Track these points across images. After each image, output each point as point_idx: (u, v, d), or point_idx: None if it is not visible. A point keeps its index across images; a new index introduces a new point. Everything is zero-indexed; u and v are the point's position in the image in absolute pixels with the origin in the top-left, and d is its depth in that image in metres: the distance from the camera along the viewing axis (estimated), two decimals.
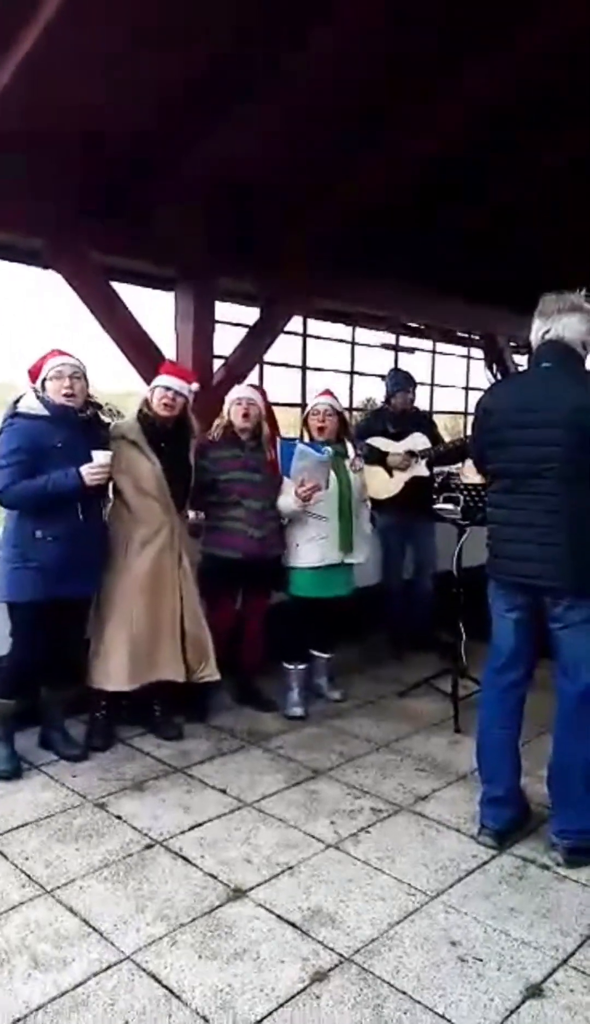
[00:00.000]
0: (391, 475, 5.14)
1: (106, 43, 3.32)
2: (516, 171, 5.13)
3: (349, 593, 4.34)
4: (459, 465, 5.61)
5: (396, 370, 5.55)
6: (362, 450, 5.01)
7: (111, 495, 3.67)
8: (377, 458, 5.13)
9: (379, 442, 5.18)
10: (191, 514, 4.11)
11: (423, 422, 5.40)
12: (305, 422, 4.29)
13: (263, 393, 4.33)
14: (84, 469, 3.31)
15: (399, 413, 5.28)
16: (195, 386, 3.82)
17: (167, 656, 3.77)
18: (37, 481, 3.30)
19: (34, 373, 3.46)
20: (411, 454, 5.14)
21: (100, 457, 3.35)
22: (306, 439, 4.23)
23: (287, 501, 4.03)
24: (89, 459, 3.33)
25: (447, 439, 5.38)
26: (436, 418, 5.84)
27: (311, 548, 4.12)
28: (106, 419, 3.63)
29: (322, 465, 3.99)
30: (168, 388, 3.71)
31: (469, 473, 4.90)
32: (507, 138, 4.69)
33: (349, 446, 4.33)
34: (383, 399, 5.45)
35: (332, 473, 4.10)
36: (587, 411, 2.72)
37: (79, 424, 3.44)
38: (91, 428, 3.50)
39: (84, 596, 3.61)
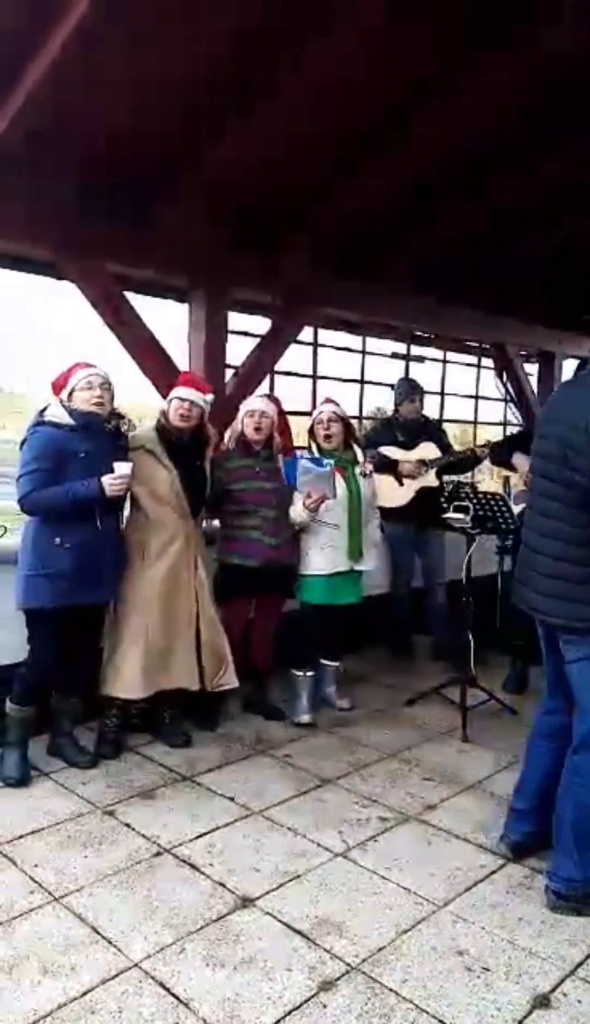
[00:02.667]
0: (401, 484, 5.16)
1: (125, 51, 3.35)
2: (522, 178, 5.14)
3: (358, 600, 4.36)
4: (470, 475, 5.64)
5: (403, 379, 5.58)
6: (375, 458, 5.05)
7: (129, 504, 3.70)
8: (388, 467, 5.15)
9: (390, 451, 5.20)
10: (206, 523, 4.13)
11: (433, 431, 5.42)
12: (311, 432, 4.33)
13: (277, 403, 4.35)
14: (105, 480, 3.35)
15: (408, 422, 5.30)
16: (210, 397, 3.86)
17: (181, 664, 3.80)
18: (59, 489, 3.35)
19: (59, 386, 3.50)
20: (422, 463, 5.15)
21: (121, 468, 3.40)
22: (313, 448, 4.27)
23: (296, 511, 4.08)
24: (110, 469, 3.37)
25: (457, 448, 5.39)
26: (446, 427, 5.84)
27: (322, 555, 4.16)
28: (125, 429, 3.66)
29: (324, 477, 4.04)
30: (184, 399, 3.76)
31: (488, 480, 4.93)
32: (518, 149, 4.72)
33: (357, 451, 4.36)
34: (392, 408, 5.47)
35: (341, 481, 4.13)
36: (580, 430, 2.53)
37: (103, 434, 3.49)
38: (114, 439, 3.55)
39: (99, 604, 3.64)
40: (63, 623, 3.48)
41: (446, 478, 5.36)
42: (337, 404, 4.35)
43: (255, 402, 4.18)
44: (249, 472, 4.06)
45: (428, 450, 5.20)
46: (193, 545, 3.83)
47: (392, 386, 5.74)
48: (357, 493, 4.21)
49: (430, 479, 5.16)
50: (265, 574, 4.08)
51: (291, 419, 4.64)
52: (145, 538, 3.74)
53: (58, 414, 3.42)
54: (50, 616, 3.45)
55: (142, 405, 4.13)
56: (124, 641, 3.70)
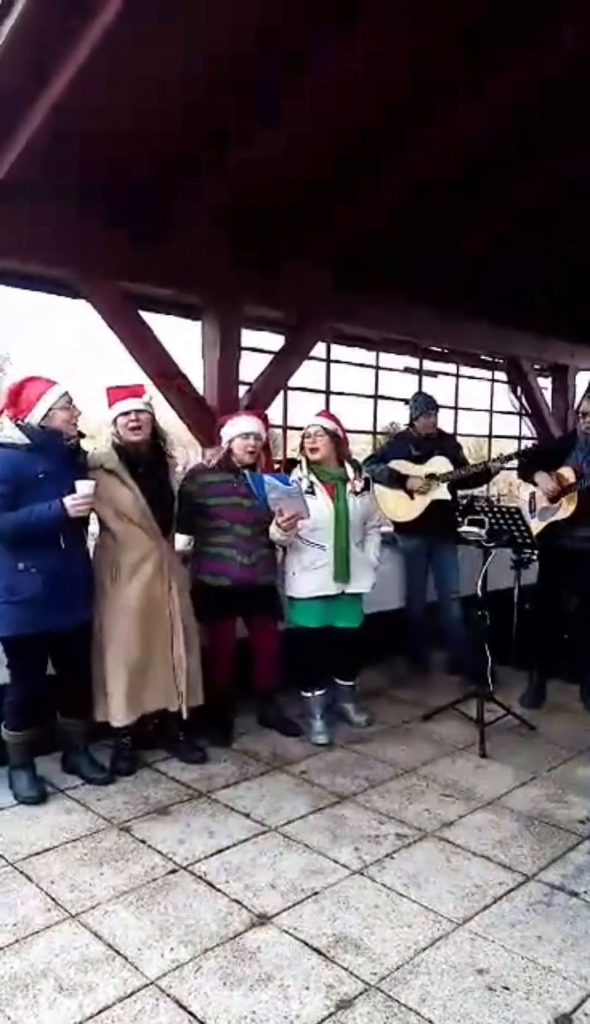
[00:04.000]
0: (412, 498, 5.15)
1: (131, 72, 3.38)
2: (536, 191, 5.15)
3: (358, 625, 4.26)
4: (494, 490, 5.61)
5: (419, 393, 5.57)
6: (382, 473, 5.05)
7: (97, 525, 3.62)
8: (398, 481, 5.15)
9: (400, 465, 5.20)
10: (181, 539, 4.06)
11: (447, 445, 5.41)
12: (301, 446, 4.23)
13: (265, 420, 4.29)
14: (67, 500, 3.25)
15: (422, 436, 5.30)
16: (147, 396, 3.75)
17: (162, 685, 3.74)
18: (20, 513, 3.24)
19: (20, 402, 3.34)
20: (432, 477, 5.14)
21: (83, 487, 3.29)
22: (304, 466, 4.16)
23: (272, 531, 3.96)
24: (72, 489, 3.28)
25: (472, 463, 5.38)
26: (461, 441, 5.82)
27: (307, 578, 4.06)
28: (85, 447, 3.58)
29: (292, 495, 3.84)
30: (126, 412, 3.64)
31: (522, 493, 4.91)
32: (527, 152, 4.73)
33: (349, 468, 4.22)
34: (407, 422, 5.48)
35: (328, 500, 4.04)
36: None
37: (61, 453, 3.38)
38: (72, 456, 3.45)
39: (77, 625, 3.53)
40: (43, 648, 3.43)
41: (461, 492, 5.35)
42: (331, 418, 4.24)
43: (247, 423, 4.07)
44: (227, 487, 4.00)
45: (439, 464, 5.19)
46: (166, 564, 3.74)
47: (406, 400, 5.74)
48: (345, 512, 4.08)
49: (442, 493, 5.14)
50: (240, 594, 4.02)
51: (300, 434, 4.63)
52: (115, 559, 3.66)
53: (10, 434, 3.30)
54: (24, 643, 3.38)
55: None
56: (107, 667, 3.64)
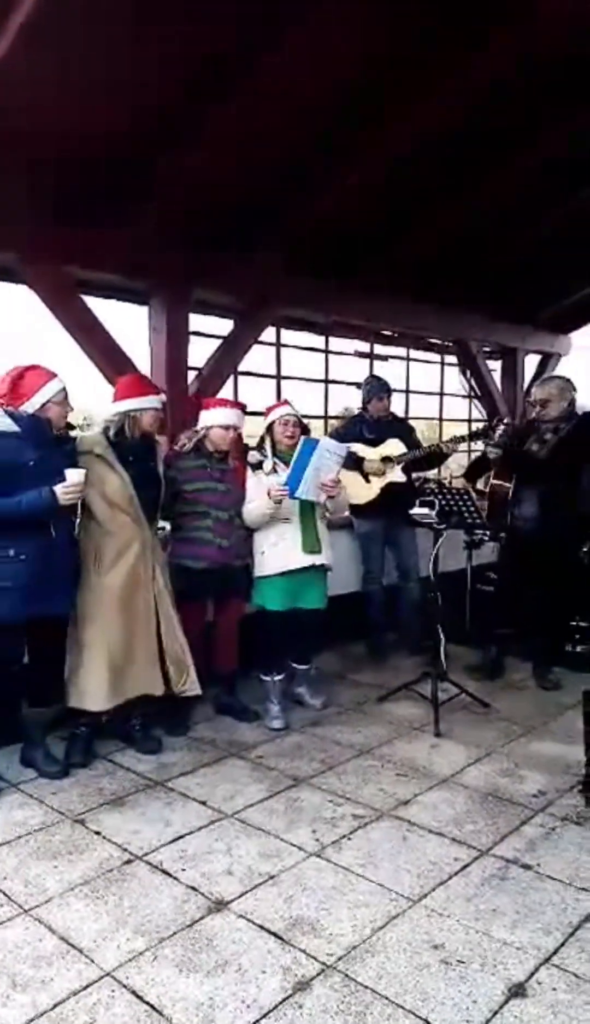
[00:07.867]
0: (368, 480, 5.16)
1: (81, 47, 3.31)
2: (488, 175, 5.18)
3: (323, 606, 4.26)
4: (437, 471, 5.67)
5: (372, 377, 5.57)
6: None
7: (80, 511, 3.60)
8: (354, 464, 5.15)
9: (356, 448, 5.20)
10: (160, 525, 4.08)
11: (401, 428, 5.43)
12: (270, 430, 4.24)
13: (243, 409, 4.31)
14: (58, 489, 3.25)
15: (376, 419, 5.31)
16: (163, 396, 3.84)
17: (144, 671, 3.73)
18: (10, 500, 3.22)
19: (18, 389, 3.32)
20: (387, 459, 5.16)
21: (74, 476, 3.29)
22: (267, 446, 4.19)
23: (258, 505, 4.00)
24: (61, 476, 3.26)
25: (425, 446, 5.39)
26: (413, 424, 5.84)
27: (276, 553, 4.09)
28: (73, 434, 3.59)
29: (341, 455, 4.06)
30: (159, 408, 3.74)
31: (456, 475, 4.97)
32: (479, 141, 4.75)
33: None
34: (360, 406, 5.48)
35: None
36: None
37: (51, 441, 3.39)
38: (61, 444, 3.46)
39: (59, 614, 3.52)
40: (22, 635, 3.39)
41: (415, 475, 5.38)
42: (292, 405, 4.30)
43: (230, 416, 4.10)
44: (202, 472, 4.02)
45: (393, 447, 5.21)
46: (150, 550, 3.74)
47: (358, 384, 5.74)
48: None
49: (397, 475, 5.16)
50: (217, 576, 4.05)
51: (253, 420, 4.61)
52: (99, 545, 3.65)
53: (2, 421, 3.27)
54: (5, 629, 3.34)
55: (84, 408, 4.03)
56: (86, 652, 3.61)
